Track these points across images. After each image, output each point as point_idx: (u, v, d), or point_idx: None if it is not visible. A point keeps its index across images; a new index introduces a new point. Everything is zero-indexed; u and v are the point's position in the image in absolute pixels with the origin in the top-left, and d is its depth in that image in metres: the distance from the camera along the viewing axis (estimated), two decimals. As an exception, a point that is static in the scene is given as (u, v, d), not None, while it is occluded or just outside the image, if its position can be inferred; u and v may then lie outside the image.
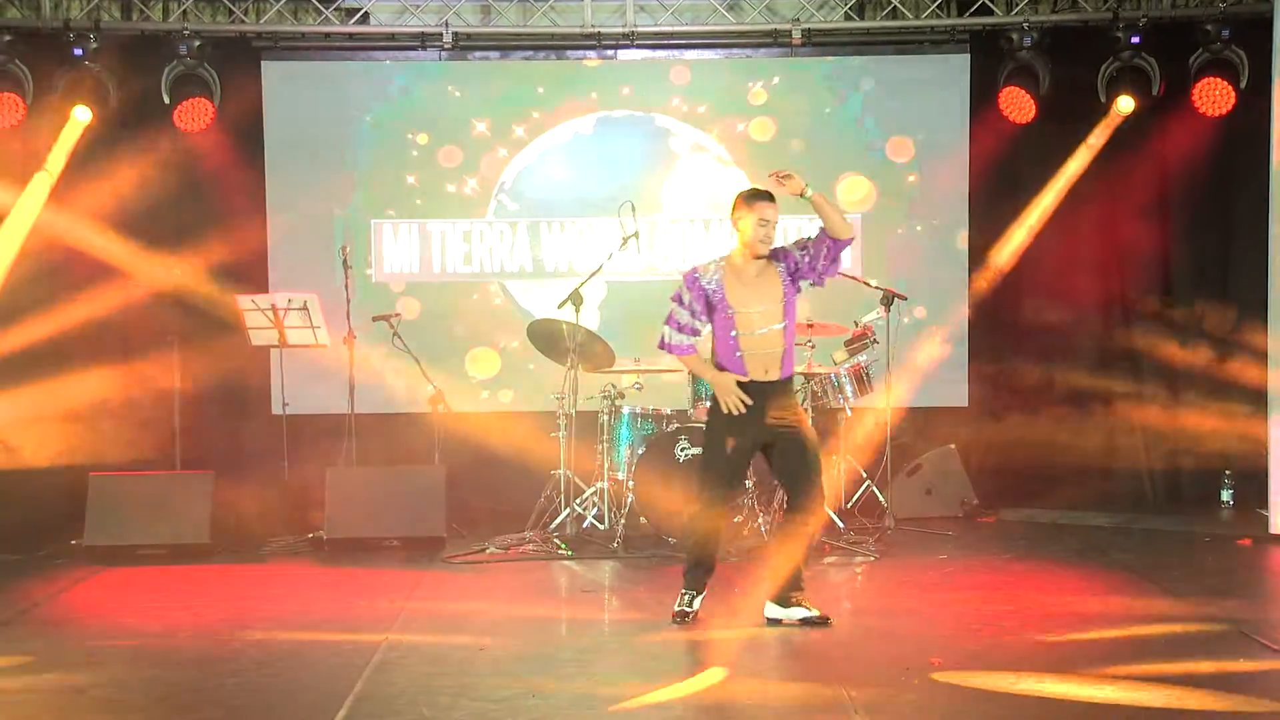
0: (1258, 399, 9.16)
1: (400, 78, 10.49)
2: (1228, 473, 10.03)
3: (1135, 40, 9.70)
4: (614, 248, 8.99)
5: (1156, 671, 5.88)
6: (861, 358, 9.12)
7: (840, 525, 8.91)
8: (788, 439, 6.69)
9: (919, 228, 10.48)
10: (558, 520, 9.06)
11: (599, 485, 9.13)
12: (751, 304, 6.60)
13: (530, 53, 10.59)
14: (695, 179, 10.51)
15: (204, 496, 8.79)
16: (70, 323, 9.63)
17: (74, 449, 9.43)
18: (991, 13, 10.03)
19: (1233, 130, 9.85)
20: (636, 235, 8.93)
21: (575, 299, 8.83)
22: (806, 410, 8.85)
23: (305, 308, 9.22)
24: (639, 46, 10.44)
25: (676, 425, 8.96)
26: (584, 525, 9.12)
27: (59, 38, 9.66)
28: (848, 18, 10.22)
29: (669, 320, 6.77)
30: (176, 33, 9.76)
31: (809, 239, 6.66)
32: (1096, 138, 10.12)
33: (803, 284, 6.70)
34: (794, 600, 6.72)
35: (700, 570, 6.84)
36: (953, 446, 9.99)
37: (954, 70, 10.37)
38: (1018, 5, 10.04)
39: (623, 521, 8.82)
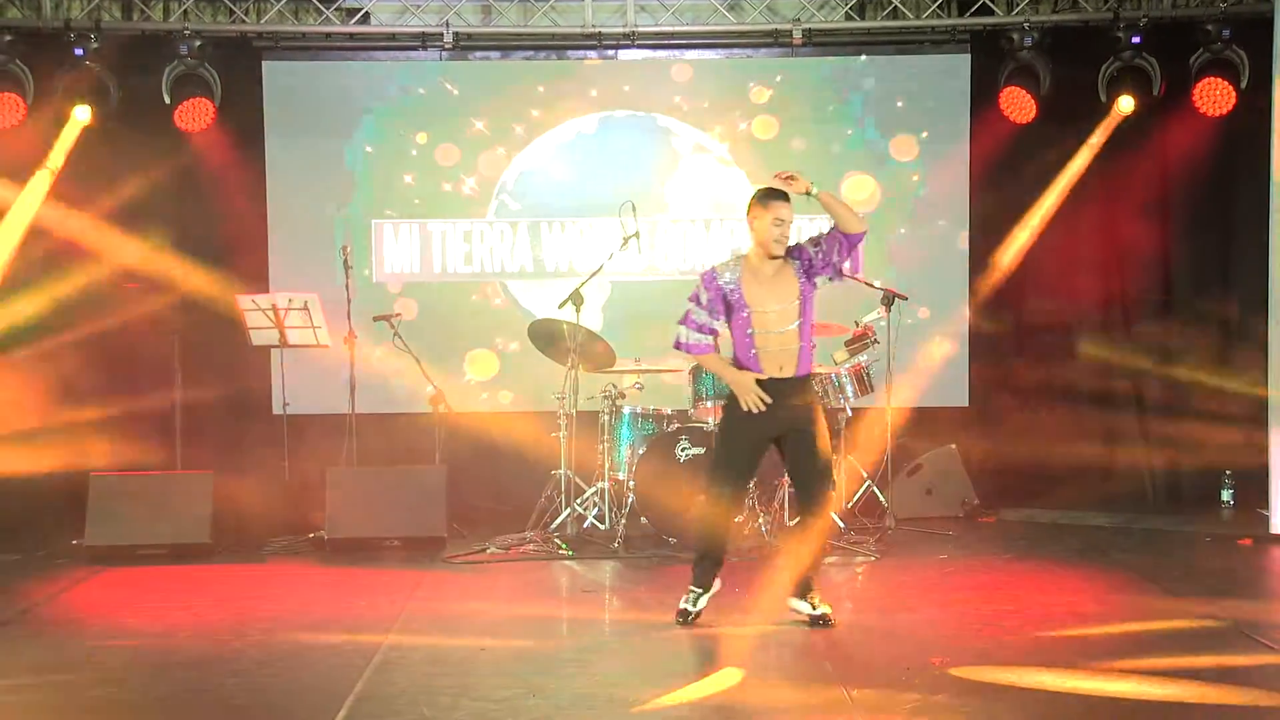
0: (1258, 399, 9.15)
1: (401, 78, 10.49)
2: (1228, 472, 10.02)
3: (1136, 40, 9.70)
4: (614, 248, 9.00)
5: (1157, 666, 5.92)
6: (862, 358, 9.12)
7: (841, 525, 8.91)
8: (799, 437, 6.69)
9: (920, 228, 10.47)
10: (558, 520, 9.06)
11: (599, 485, 9.13)
12: (768, 303, 6.60)
13: (531, 53, 10.59)
14: (696, 179, 10.51)
15: (204, 496, 8.79)
16: (70, 322, 9.63)
17: (74, 449, 9.42)
18: (992, 13, 10.03)
19: (1233, 130, 9.85)
20: (637, 235, 8.95)
21: (576, 299, 8.83)
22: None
23: (306, 308, 9.22)
24: (639, 46, 10.44)
25: (677, 425, 8.96)
26: (585, 525, 9.12)
27: (60, 37, 9.66)
28: (848, 18, 10.22)
29: (685, 320, 6.76)
30: (177, 32, 9.76)
31: (822, 235, 6.66)
32: (1097, 138, 10.13)
33: (819, 280, 6.68)
34: (807, 596, 6.75)
35: (708, 564, 6.83)
36: (953, 446, 9.99)
37: (955, 70, 10.37)
38: (1018, 5, 10.04)
39: (623, 521, 8.82)
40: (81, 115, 9.69)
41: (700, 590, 6.81)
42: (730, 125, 10.50)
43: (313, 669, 6.13)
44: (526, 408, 10.18)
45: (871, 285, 9.28)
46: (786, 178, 6.53)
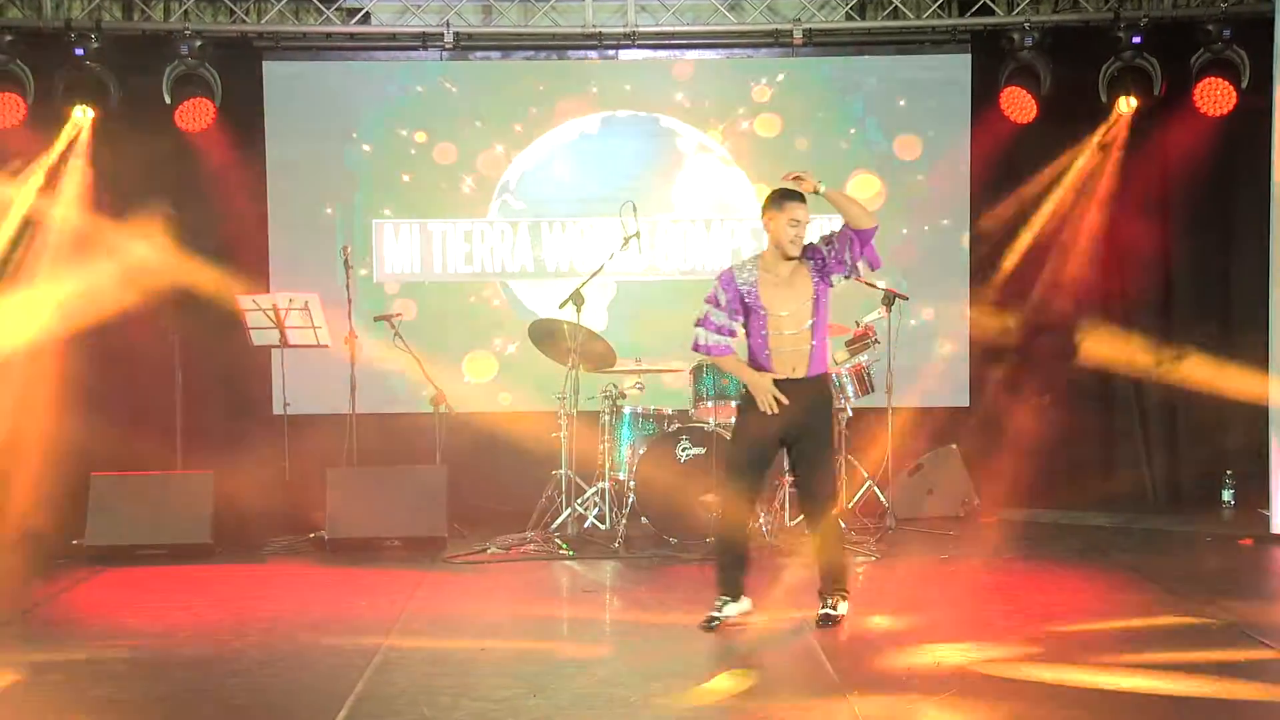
0: (1259, 399, 9.14)
1: (401, 78, 10.49)
2: (1229, 472, 10.03)
3: (1136, 40, 9.70)
4: (615, 248, 9.00)
5: (1157, 660, 5.96)
6: (863, 358, 9.13)
7: (841, 525, 8.90)
8: (809, 437, 6.70)
9: (921, 227, 10.47)
10: (559, 520, 9.06)
11: (600, 485, 9.14)
12: (784, 305, 6.60)
13: (531, 53, 10.59)
14: (697, 179, 10.51)
15: (205, 496, 8.79)
16: (70, 322, 9.62)
17: (75, 449, 9.42)
18: (993, 13, 10.03)
19: (1234, 130, 9.85)
20: (638, 235, 8.95)
21: (576, 299, 8.83)
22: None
23: (306, 308, 9.22)
24: (640, 46, 10.44)
25: (678, 425, 8.97)
26: (585, 525, 9.12)
27: (60, 38, 9.66)
28: (849, 18, 10.22)
29: (704, 322, 6.73)
30: (178, 33, 9.76)
31: (834, 233, 6.65)
32: (1098, 138, 10.14)
33: (834, 279, 6.66)
34: (823, 594, 6.76)
35: (731, 568, 6.80)
36: (954, 446, 9.99)
37: (955, 70, 10.37)
38: (1019, 5, 10.04)
39: (624, 521, 8.83)
40: (82, 115, 9.68)
41: (727, 598, 6.76)
42: (731, 125, 10.50)
43: (313, 669, 6.13)
44: (527, 408, 10.18)
45: (875, 286, 9.27)
46: (795, 177, 6.53)
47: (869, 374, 9.16)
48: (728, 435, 8.69)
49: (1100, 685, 5.69)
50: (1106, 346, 10.37)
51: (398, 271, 10.49)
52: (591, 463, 9.20)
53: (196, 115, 9.84)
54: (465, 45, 10.36)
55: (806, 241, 6.64)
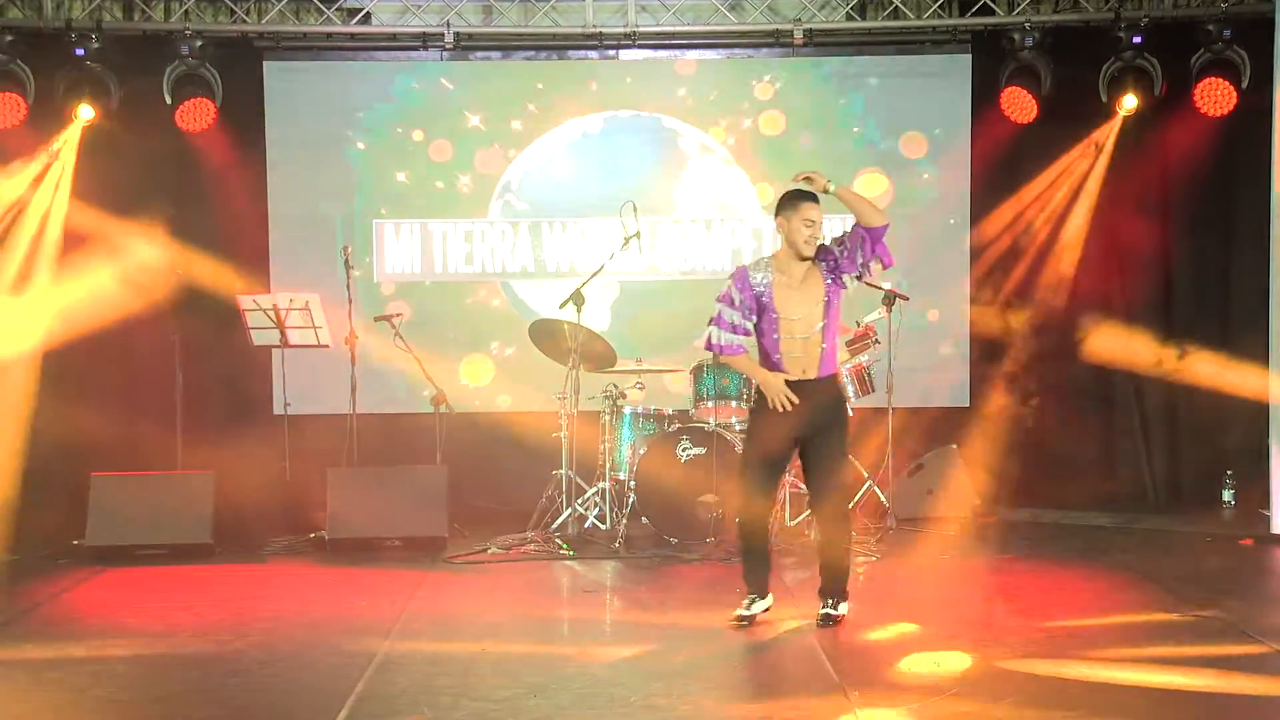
0: (1259, 399, 9.14)
1: (402, 78, 10.49)
2: (1229, 472, 10.03)
3: (1137, 40, 9.70)
4: (615, 248, 9.00)
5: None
6: (863, 358, 9.12)
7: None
8: (821, 438, 6.70)
9: (921, 228, 10.45)
10: (559, 520, 9.06)
11: (600, 485, 9.14)
12: (797, 308, 6.58)
13: (532, 53, 10.60)
14: (698, 179, 10.52)
15: (205, 496, 8.79)
16: (70, 322, 9.62)
17: (75, 449, 9.43)
18: (993, 13, 10.03)
19: (1234, 130, 9.85)
20: (638, 235, 8.95)
21: (577, 299, 8.83)
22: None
23: (307, 308, 9.23)
24: (640, 46, 10.44)
25: (678, 425, 8.97)
26: (586, 525, 9.13)
27: (61, 38, 9.66)
28: (849, 18, 10.22)
29: (718, 321, 6.72)
30: (178, 33, 9.77)
31: (845, 234, 6.64)
32: (1098, 138, 10.14)
33: (846, 279, 6.64)
34: (825, 595, 6.78)
35: (756, 566, 6.82)
36: (954, 446, 9.98)
37: (956, 70, 10.37)
38: (1019, 5, 10.04)
39: (624, 521, 8.83)
40: (83, 115, 9.69)
41: (755, 595, 6.79)
42: (731, 125, 10.50)
43: (314, 669, 6.13)
44: (527, 408, 10.18)
45: (879, 286, 9.27)
46: (805, 178, 6.52)
47: (869, 374, 9.16)
48: (728, 435, 8.73)
49: (1100, 682, 5.70)
50: (1107, 346, 10.38)
51: (398, 271, 10.50)
52: (592, 463, 9.20)
53: (197, 115, 9.84)
54: (465, 45, 10.36)
55: (820, 243, 6.65)
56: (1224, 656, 6.08)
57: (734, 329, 6.68)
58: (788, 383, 6.60)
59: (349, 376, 9.29)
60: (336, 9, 10.00)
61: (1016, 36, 9.82)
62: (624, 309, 10.44)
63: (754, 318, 6.66)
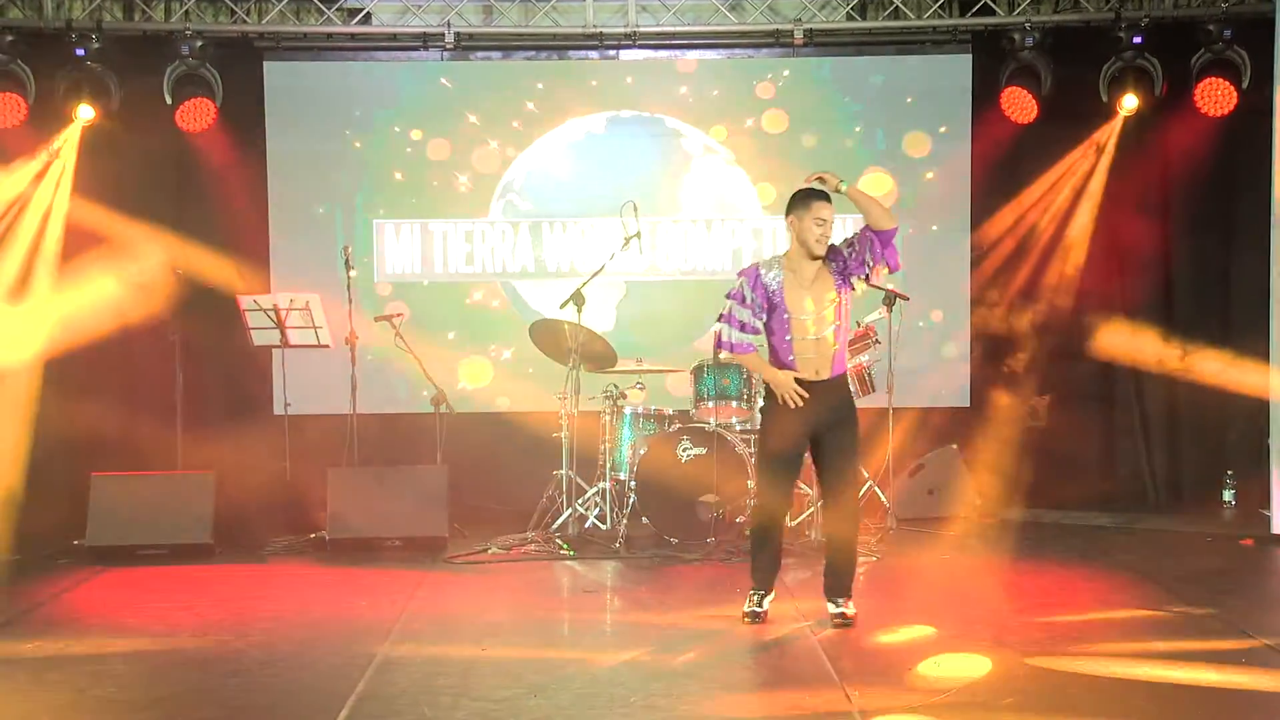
0: (1259, 399, 9.14)
1: (402, 78, 10.49)
2: (1229, 472, 10.03)
3: (1137, 40, 9.70)
4: (616, 248, 9.00)
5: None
6: (864, 358, 9.12)
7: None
8: (833, 438, 6.71)
9: (922, 228, 10.46)
10: (560, 520, 9.06)
11: (601, 485, 9.14)
12: (808, 308, 6.58)
13: (532, 53, 10.59)
14: (699, 179, 10.52)
15: (206, 496, 8.79)
16: (71, 322, 9.62)
17: (75, 449, 9.43)
18: (993, 13, 10.03)
19: (1234, 130, 9.85)
20: (638, 235, 8.95)
21: (577, 299, 8.83)
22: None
23: (307, 308, 9.23)
24: (641, 47, 10.44)
25: (679, 425, 8.96)
26: (586, 525, 9.12)
27: (61, 38, 9.66)
28: (849, 18, 10.22)
29: (728, 319, 6.70)
30: (179, 33, 9.77)
31: (854, 235, 6.63)
32: (1098, 138, 10.14)
33: (855, 281, 6.65)
34: (834, 595, 6.79)
35: (765, 564, 6.84)
36: (955, 446, 9.99)
37: (956, 70, 10.37)
38: (1019, 5, 10.04)
39: (625, 522, 8.82)
40: (83, 115, 9.69)
41: (763, 591, 6.83)
42: (732, 125, 10.50)
43: (314, 669, 6.13)
44: (528, 408, 10.17)
45: (881, 287, 9.25)
46: (818, 178, 6.52)
47: (870, 374, 9.16)
48: (729, 436, 8.72)
49: (1101, 683, 5.70)
50: (1107, 346, 10.38)
51: (398, 271, 10.50)
52: (592, 463, 9.20)
53: (197, 115, 9.84)
54: (466, 45, 10.36)
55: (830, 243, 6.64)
56: (1223, 652, 6.10)
57: (743, 327, 6.67)
58: (801, 382, 6.60)
59: (349, 376, 9.29)
60: (337, 9, 10.00)
61: (1017, 36, 9.82)
62: (625, 309, 10.43)
63: (764, 316, 6.66)
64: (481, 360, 10.51)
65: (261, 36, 10.24)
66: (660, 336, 10.18)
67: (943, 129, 10.43)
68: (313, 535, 9.00)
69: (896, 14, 10.16)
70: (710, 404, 8.92)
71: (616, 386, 9.19)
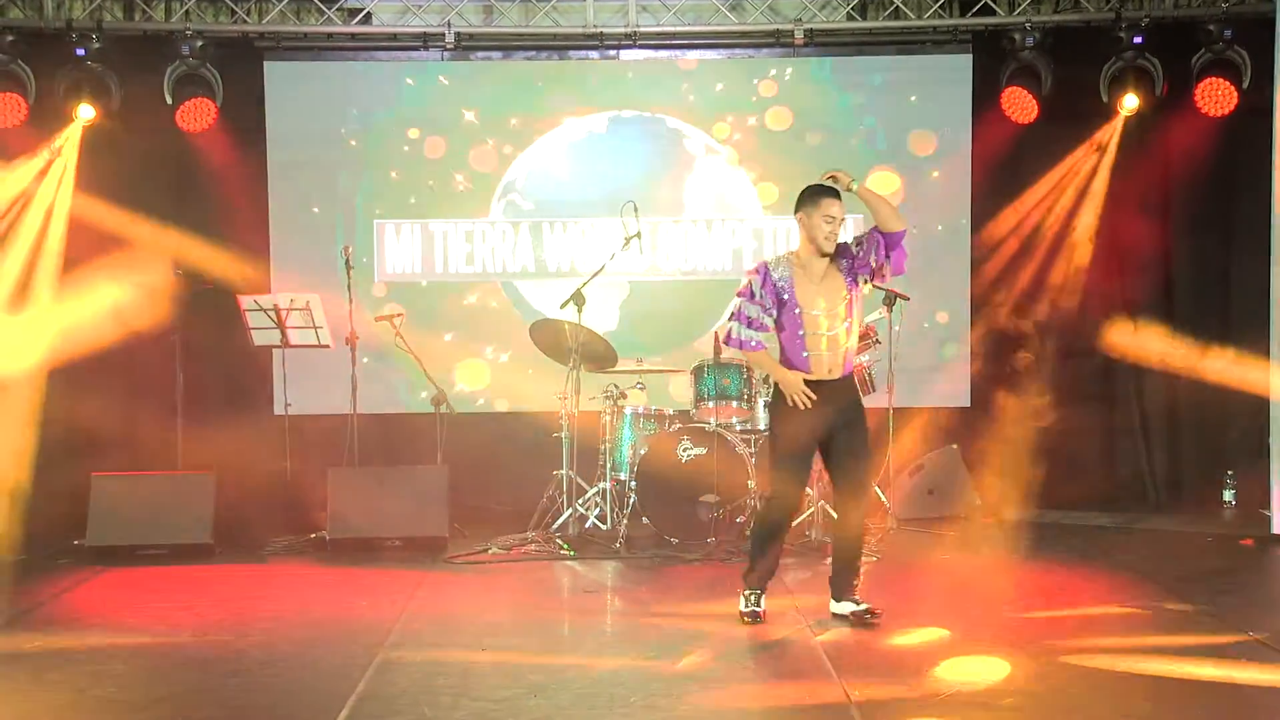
0: (1260, 398, 9.14)
1: (402, 78, 10.49)
2: (1230, 473, 10.03)
3: (1137, 40, 9.70)
4: (616, 248, 9.00)
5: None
6: (864, 358, 9.11)
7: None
8: (845, 436, 6.71)
9: (922, 227, 10.42)
10: (560, 520, 9.06)
11: (601, 485, 9.14)
12: (819, 304, 6.59)
13: (532, 53, 10.59)
14: (699, 179, 10.51)
15: (206, 497, 8.79)
16: (71, 322, 9.62)
17: (76, 449, 9.42)
18: (994, 13, 10.02)
19: (1235, 130, 9.85)
20: (639, 235, 8.94)
21: (577, 299, 8.83)
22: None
23: (307, 308, 9.23)
24: (641, 46, 10.44)
25: (679, 425, 8.97)
26: (586, 525, 9.12)
27: (61, 38, 9.66)
28: (850, 18, 10.22)
29: (737, 315, 6.71)
30: (179, 33, 9.77)
31: (863, 235, 6.64)
32: (1099, 138, 10.14)
33: (861, 280, 6.66)
34: (846, 595, 6.81)
35: (763, 564, 6.84)
36: (955, 447, 9.98)
37: (956, 71, 10.36)
38: (1020, 5, 10.03)
39: (625, 522, 8.82)
40: (83, 115, 9.69)
41: (759, 591, 6.85)
42: (732, 125, 10.49)
43: (314, 669, 6.13)
44: (528, 408, 10.17)
45: (883, 288, 9.24)
46: (830, 176, 6.53)
47: (870, 374, 9.15)
48: (729, 436, 8.72)
49: (1101, 683, 5.71)
50: (1107, 346, 10.38)
51: (398, 271, 10.50)
52: (593, 463, 9.20)
53: (198, 115, 9.84)
54: (466, 45, 10.36)
55: (840, 241, 6.63)
56: (1223, 651, 6.10)
57: (752, 324, 6.67)
58: (815, 382, 6.60)
59: (349, 376, 9.29)
60: (337, 9, 10.00)
61: (1017, 36, 9.82)
62: (626, 309, 10.43)
63: (774, 312, 6.65)
64: (481, 360, 10.52)
65: (262, 36, 10.24)
66: (660, 337, 10.18)
67: (942, 129, 10.42)
68: (313, 535, 9.00)
69: (897, 14, 10.16)
70: (711, 404, 8.92)
71: (617, 386, 9.19)
